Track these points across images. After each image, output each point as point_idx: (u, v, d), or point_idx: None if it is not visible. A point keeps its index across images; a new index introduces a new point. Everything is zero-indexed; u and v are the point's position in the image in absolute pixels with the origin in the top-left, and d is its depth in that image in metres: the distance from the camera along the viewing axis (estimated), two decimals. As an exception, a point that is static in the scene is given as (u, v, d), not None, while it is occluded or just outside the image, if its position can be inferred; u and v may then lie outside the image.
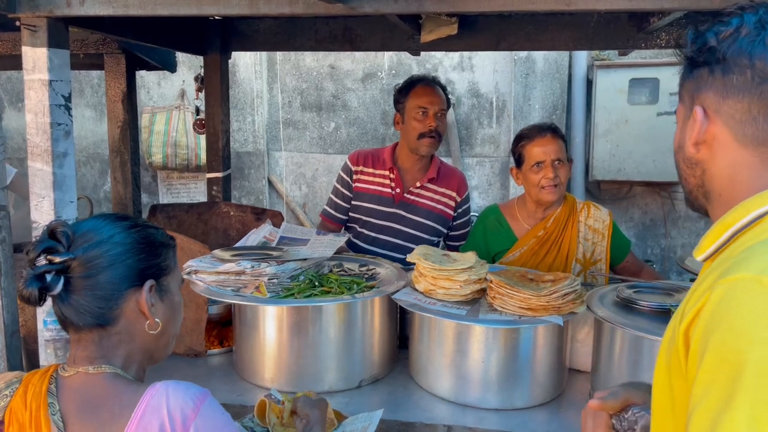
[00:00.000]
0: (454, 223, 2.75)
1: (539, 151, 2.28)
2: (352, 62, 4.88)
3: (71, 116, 1.87)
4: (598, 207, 2.43)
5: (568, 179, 2.34)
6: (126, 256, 1.12)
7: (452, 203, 2.71)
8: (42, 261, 1.07)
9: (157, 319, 1.14)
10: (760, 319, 0.73)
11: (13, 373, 1.17)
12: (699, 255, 0.92)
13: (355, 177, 2.72)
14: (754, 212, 0.86)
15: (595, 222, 2.38)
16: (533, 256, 2.37)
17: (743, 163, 0.90)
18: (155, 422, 1.00)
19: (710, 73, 0.92)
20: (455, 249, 2.67)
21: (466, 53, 4.62)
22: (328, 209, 2.79)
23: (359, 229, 2.71)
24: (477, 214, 2.69)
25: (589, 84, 4.39)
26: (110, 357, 1.11)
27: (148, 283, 1.13)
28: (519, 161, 2.36)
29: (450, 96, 2.75)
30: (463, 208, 2.76)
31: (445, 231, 2.74)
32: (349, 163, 2.74)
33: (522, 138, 2.36)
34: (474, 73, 4.70)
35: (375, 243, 2.69)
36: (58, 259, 1.07)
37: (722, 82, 0.91)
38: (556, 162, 2.28)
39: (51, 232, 1.11)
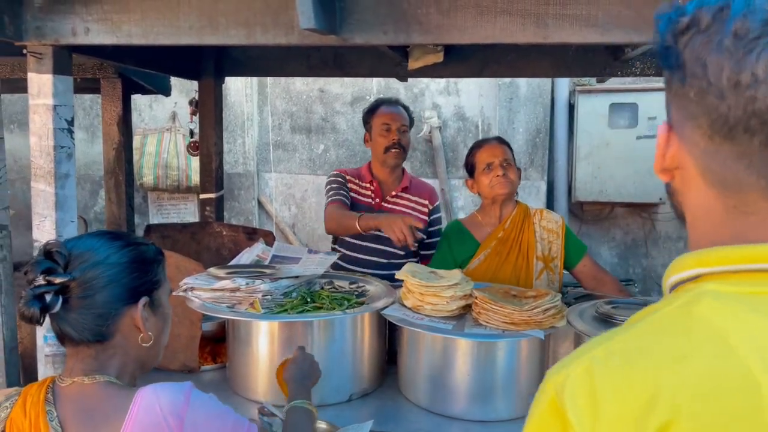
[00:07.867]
0: (429, 229, 2.88)
1: (487, 154, 2.47)
2: (341, 86, 5.00)
3: (73, 139, 1.95)
4: (551, 212, 2.60)
5: (518, 184, 2.49)
6: (121, 275, 1.17)
7: (425, 210, 2.90)
8: (41, 281, 1.11)
9: (150, 333, 1.21)
10: None
11: (12, 389, 1.23)
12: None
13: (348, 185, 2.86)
14: (685, 272, 0.67)
15: (548, 223, 2.53)
16: (497, 256, 2.49)
17: (706, 207, 0.68)
18: (151, 421, 1.07)
19: (677, 81, 0.66)
20: (428, 257, 2.80)
21: (452, 78, 4.76)
22: (336, 196, 2.74)
23: (348, 239, 2.83)
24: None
25: (571, 108, 4.53)
26: (106, 368, 1.17)
27: (143, 300, 1.20)
28: (472, 170, 2.54)
29: (418, 116, 2.87)
30: (435, 216, 2.96)
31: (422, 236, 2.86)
32: (339, 174, 2.87)
33: (472, 149, 2.56)
34: (460, 98, 4.84)
35: (360, 249, 2.81)
36: (57, 280, 1.12)
37: (682, 94, 0.65)
38: (504, 163, 2.45)
39: (47, 253, 1.15)
